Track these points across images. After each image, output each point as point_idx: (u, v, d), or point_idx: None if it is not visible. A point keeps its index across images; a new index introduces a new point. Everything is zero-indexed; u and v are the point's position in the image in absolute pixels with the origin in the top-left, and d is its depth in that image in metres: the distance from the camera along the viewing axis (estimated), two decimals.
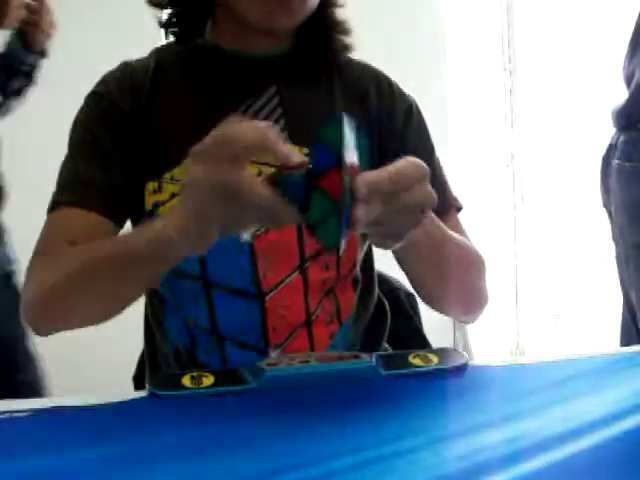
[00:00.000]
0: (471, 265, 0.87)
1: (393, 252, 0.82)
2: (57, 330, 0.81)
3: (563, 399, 0.64)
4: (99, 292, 0.76)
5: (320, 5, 0.84)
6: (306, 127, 0.85)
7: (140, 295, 0.79)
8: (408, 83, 0.96)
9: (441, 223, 0.79)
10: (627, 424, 0.57)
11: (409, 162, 0.62)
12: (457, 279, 0.85)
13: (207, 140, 0.61)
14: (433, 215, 0.77)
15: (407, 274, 0.87)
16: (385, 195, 0.59)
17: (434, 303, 0.90)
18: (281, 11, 0.79)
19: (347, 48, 0.90)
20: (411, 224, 0.64)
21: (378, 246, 0.69)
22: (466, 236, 0.90)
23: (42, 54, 1.44)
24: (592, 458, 0.51)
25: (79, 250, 0.78)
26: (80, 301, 0.77)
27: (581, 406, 0.62)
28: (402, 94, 0.93)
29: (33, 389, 1.45)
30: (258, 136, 0.59)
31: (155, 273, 0.74)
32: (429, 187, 0.63)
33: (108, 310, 0.78)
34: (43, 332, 0.82)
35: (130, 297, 0.76)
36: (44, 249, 0.81)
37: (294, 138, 0.84)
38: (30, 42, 1.40)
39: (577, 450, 0.52)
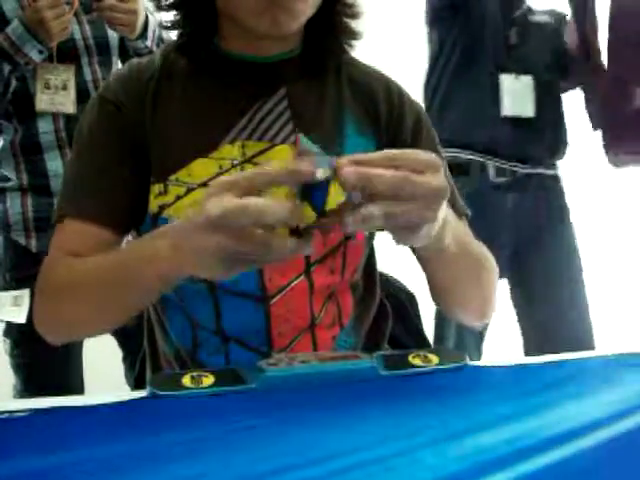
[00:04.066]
0: (489, 271, 0.88)
1: (419, 257, 0.83)
2: (68, 339, 0.86)
3: (563, 399, 0.64)
4: (104, 309, 0.79)
5: None
6: (314, 129, 0.85)
7: (148, 303, 0.82)
8: (407, 82, 0.96)
9: (464, 229, 0.80)
10: (627, 424, 0.57)
11: (421, 151, 0.62)
12: (478, 286, 0.86)
13: (229, 207, 0.59)
14: (459, 221, 0.77)
15: (430, 279, 0.86)
16: (395, 182, 0.58)
17: (452, 309, 0.91)
18: (286, 16, 0.77)
19: (355, 34, 0.89)
20: (427, 215, 0.62)
21: (399, 242, 0.67)
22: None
23: (138, 38, 1.61)
24: (592, 458, 0.51)
25: (83, 268, 0.79)
26: (86, 316, 0.80)
27: (581, 406, 0.62)
28: (411, 102, 0.92)
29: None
30: (283, 213, 0.58)
31: (161, 289, 0.76)
32: (442, 177, 0.62)
33: (115, 320, 0.81)
34: (55, 341, 0.85)
35: (136, 308, 0.79)
36: (52, 263, 0.83)
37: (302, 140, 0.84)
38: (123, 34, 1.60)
39: (577, 450, 0.52)
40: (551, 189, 1.85)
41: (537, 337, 1.86)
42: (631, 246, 2.83)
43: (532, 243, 1.83)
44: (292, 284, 0.84)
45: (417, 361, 0.74)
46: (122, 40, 1.65)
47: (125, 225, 0.85)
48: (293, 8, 0.77)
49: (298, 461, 0.51)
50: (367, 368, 0.72)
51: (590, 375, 0.72)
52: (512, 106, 1.75)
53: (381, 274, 0.98)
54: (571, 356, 0.81)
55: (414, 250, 0.82)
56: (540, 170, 1.81)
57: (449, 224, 0.71)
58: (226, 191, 0.59)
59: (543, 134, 1.81)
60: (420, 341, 1.02)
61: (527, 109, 1.77)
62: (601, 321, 1.93)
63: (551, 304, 1.82)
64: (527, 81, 1.77)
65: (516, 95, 1.76)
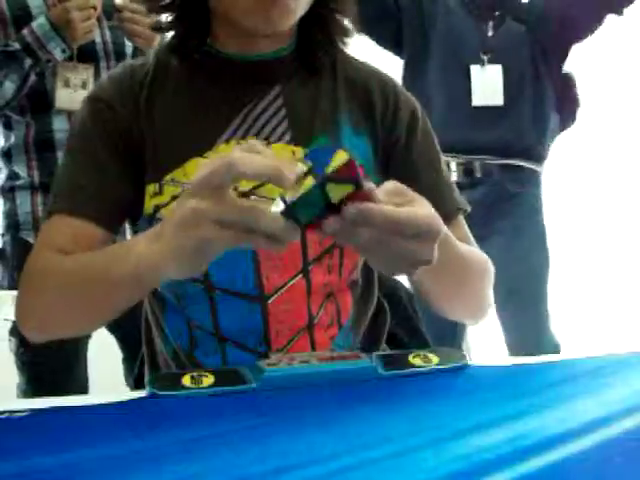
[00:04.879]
0: (480, 274, 0.88)
1: None
2: (51, 338, 0.83)
3: (563, 399, 0.64)
4: (88, 308, 0.78)
5: None
6: (308, 128, 0.85)
7: (133, 303, 0.78)
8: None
9: (451, 238, 0.77)
10: (627, 424, 0.57)
11: (427, 214, 0.61)
12: (468, 291, 0.87)
13: (208, 170, 0.59)
14: (446, 231, 0.76)
15: (415, 288, 0.87)
16: (380, 228, 0.58)
17: (442, 312, 0.91)
18: (279, 13, 0.77)
19: (349, 32, 0.89)
20: (396, 269, 0.64)
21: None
22: (470, 240, 0.90)
23: None
24: (592, 458, 0.51)
25: (68, 266, 0.78)
26: (69, 315, 0.79)
27: (581, 406, 0.62)
28: (406, 98, 0.92)
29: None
30: (264, 166, 0.58)
31: (143, 291, 0.76)
32: (433, 247, 0.62)
33: (100, 319, 0.81)
34: (37, 340, 0.84)
35: (121, 308, 0.77)
36: (34, 258, 0.82)
37: (297, 139, 0.84)
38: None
39: (577, 450, 0.52)
40: (527, 183, 1.84)
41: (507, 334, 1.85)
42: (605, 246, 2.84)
43: (501, 236, 1.79)
44: (289, 283, 0.84)
45: (417, 361, 0.74)
46: (135, 49, 1.67)
47: (114, 223, 0.84)
48: (286, 5, 0.77)
49: (298, 461, 0.51)
50: (367, 368, 0.72)
51: (590, 375, 0.72)
52: (482, 96, 1.76)
53: (380, 273, 0.98)
54: (571, 356, 0.81)
55: None
56: (515, 161, 1.80)
57: None
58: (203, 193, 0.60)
59: (519, 125, 1.80)
60: (420, 341, 1.02)
61: (496, 98, 1.77)
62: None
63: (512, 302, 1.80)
64: (496, 70, 1.77)
65: (485, 84, 1.77)
